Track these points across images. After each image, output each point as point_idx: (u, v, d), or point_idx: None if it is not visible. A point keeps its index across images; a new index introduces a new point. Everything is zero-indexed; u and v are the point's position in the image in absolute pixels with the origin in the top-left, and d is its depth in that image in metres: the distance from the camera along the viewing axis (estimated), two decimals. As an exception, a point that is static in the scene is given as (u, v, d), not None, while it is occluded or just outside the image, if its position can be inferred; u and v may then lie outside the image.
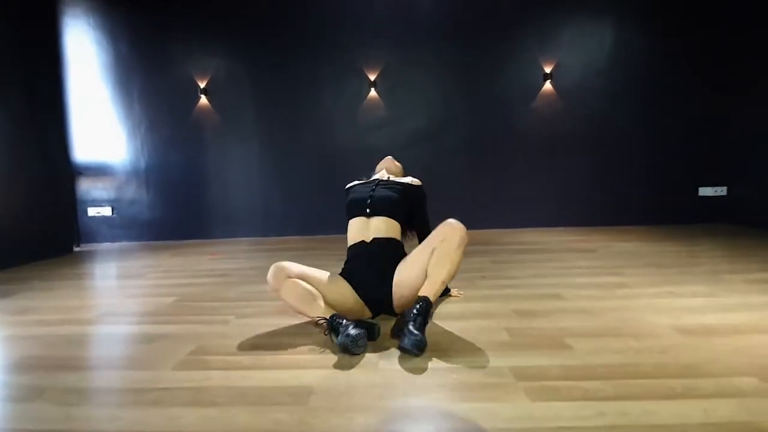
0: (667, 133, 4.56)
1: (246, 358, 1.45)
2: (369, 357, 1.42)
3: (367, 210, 1.86)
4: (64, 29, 4.66)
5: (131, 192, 4.84)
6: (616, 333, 1.57)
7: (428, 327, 1.55)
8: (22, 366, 1.47)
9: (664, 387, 1.15)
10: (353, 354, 1.42)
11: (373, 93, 4.67)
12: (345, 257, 1.89)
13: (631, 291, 2.13)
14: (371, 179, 2.09)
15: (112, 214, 4.86)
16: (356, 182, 2.10)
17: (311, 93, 4.70)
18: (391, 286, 1.72)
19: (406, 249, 1.87)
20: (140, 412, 1.12)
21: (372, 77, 4.65)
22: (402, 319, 1.53)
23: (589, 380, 1.20)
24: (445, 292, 2.13)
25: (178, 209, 4.85)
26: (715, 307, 1.84)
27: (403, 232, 1.95)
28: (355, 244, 1.84)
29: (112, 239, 4.87)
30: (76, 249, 4.46)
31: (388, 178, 2.08)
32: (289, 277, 1.62)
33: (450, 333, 1.63)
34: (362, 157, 2.98)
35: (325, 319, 1.56)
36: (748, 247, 3.18)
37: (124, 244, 4.78)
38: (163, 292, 2.47)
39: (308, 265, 1.75)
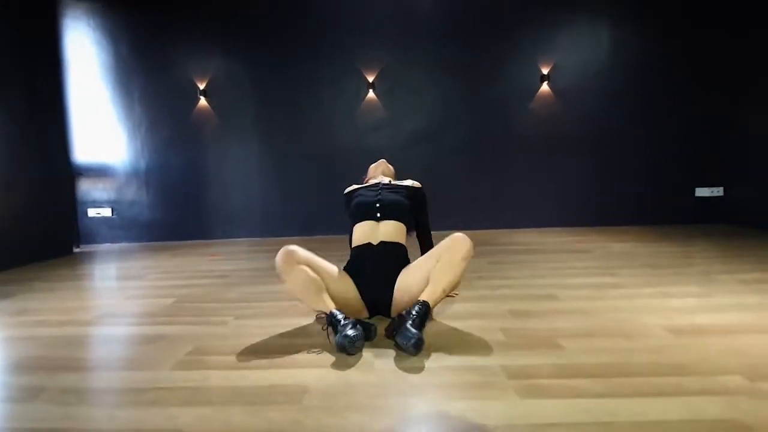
0: (665, 133, 4.56)
1: (244, 359, 1.46)
2: (365, 357, 1.44)
3: (378, 214, 1.87)
4: (64, 30, 4.68)
5: (131, 193, 4.86)
6: (608, 333, 1.59)
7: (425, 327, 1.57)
8: (21, 366, 1.49)
9: (653, 385, 1.17)
10: (350, 354, 1.44)
11: (371, 94, 4.69)
12: (345, 258, 1.91)
13: (626, 291, 2.15)
14: (373, 183, 2.10)
15: (112, 215, 4.88)
16: (356, 186, 2.11)
17: (311, 93, 4.72)
18: (393, 291, 1.75)
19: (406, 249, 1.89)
20: (138, 411, 1.14)
21: (371, 78, 4.66)
22: (399, 319, 1.55)
23: (579, 378, 1.22)
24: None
25: (178, 210, 4.87)
26: (708, 307, 1.86)
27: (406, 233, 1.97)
28: (361, 245, 1.84)
29: (112, 240, 4.89)
30: (76, 250, 4.47)
31: (389, 181, 2.10)
32: (298, 263, 1.63)
33: (446, 333, 1.65)
34: (362, 157, 3.00)
35: (325, 313, 1.58)
36: (742, 248, 3.20)
37: (124, 245, 4.80)
38: (162, 293, 2.49)
39: None
